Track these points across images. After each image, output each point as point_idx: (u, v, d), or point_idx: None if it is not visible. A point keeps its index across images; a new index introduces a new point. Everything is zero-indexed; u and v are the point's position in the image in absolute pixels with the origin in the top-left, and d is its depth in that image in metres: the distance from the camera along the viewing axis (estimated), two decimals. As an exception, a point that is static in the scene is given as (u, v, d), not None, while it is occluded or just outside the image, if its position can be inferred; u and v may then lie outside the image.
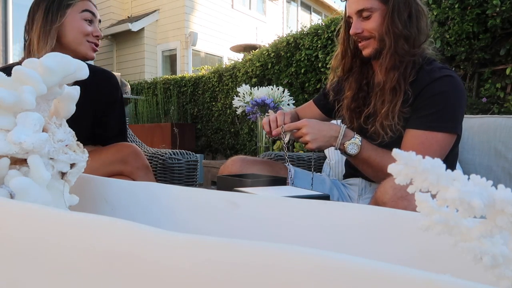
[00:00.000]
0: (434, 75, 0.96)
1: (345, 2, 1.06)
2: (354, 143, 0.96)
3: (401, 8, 0.96)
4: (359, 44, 1.04)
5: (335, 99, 1.18)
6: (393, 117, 0.97)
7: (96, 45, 1.18)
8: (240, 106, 1.95)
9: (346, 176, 1.25)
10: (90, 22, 1.16)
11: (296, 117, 1.24)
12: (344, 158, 1.29)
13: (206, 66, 5.70)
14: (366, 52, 1.03)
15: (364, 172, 1.03)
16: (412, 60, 0.98)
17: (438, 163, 0.24)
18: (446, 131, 0.94)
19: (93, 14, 1.17)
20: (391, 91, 0.98)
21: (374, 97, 1.03)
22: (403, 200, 0.73)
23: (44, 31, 1.10)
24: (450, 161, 1.04)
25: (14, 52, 4.41)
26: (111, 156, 1.10)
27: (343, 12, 1.10)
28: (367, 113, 1.04)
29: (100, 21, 1.22)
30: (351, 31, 1.02)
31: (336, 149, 0.98)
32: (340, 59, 1.13)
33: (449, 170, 0.24)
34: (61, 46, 1.14)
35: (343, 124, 1.00)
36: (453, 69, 2.08)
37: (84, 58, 1.17)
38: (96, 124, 1.24)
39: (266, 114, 1.09)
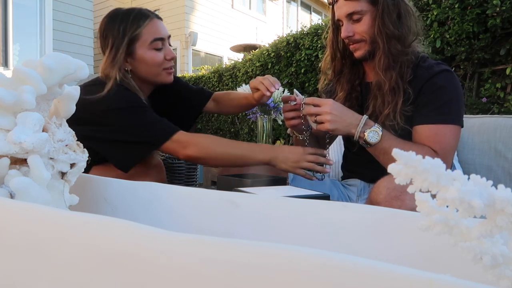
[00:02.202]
0: (432, 70, 0.97)
1: (331, 5, 1.07)
2: (375, 131, 0.92)
3: (390, 9, 0.96)
4: (351, 47, 1.04)
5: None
6: (395, 117, 0.97)
7: (171, 67, 1.15)
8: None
9: (344, 177, 1.25)
10: (161, 48, 1.11)
11: None
12: (342, 160, 1.29)
13: (206, 66, 5.69)
14: (357, 54, 1.03)
15: (386, 165, 1.01)
16: (406, 59, 0.99)
17: (438, 163, 0.24)
18: (455, 123, 0.95)
19: (161, 39, 1.11)
20: (390, 91, 0.98)
21: (374, 99, 1.02)
22: (397, 200, 0.73)
23: (110, 68, 1.07)
24: None
25: (14, 52, 4.41)
26: (135, 167, 1.09)
27: (330, 15, 1.10)
28: (369, 115, 1.03)
29: (169, 36, 1.16)
30: (342, 35, 1.03)
31: (355, 138, 0.93)
32: (330, 61, 1.13)
33: (449, 170, 0.24)
34: (137, 78, 1.12)
35: (365, 115, 0.97)
36: (453, 69, 2.08)
37: (163, 84, 1.17)
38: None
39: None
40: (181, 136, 1.04)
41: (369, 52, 1.01)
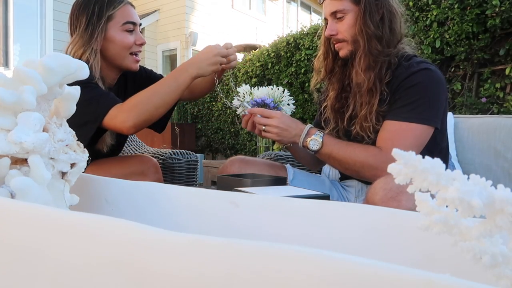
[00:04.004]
0: (411, 69, 0.97)
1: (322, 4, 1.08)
2: (315, 139, 0.98)
3: (372, 9, 0.96)
4: (335, 46, 1.05)
5: (321, 100, 1.20)
6: (371, 119, 0.98)
7: (139, 52, 1.18)
8: (240, 106, 1.95)
9: (342, 178, 1.25)
10: (132, 31, 1.14)
11: None
12: None
13: (206, 66, 5.67)
14: (341, 53, 1.04)
15: (334, 167, 1.06)
16: (387, 60, 0.99)
17: (438, 163, 0.24)
18: (420, 122, 0.94)
19: (133, 23, 1.14)
20: (368, 92, 0.98)
21: (353, 99, 1.04)
22: (393, 201, 0.73)
23: (84, 48, 1.08)
24: (438, 155, 1.03)
25: (15, 52, 4.41)
26: (132, 167, 1.12)
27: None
28: (349, 115, 1.05)
29: (141, 24, 1.19)
30: (326, 33, 1.04)
31: (300, 146, 1.00)
32: (322, 60, 1.14)
33: (448, 170, 0.24)
34: (104, 59, 1.13)
35: (310, 124, 1.03)
36: (453, 69, 2.08)
37: (128, 70, 1.19)
38: None
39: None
40: (115, 111, 1.01)
41: (351, 52, 1.02)
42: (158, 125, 1.31)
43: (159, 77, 1.34)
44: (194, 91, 1.33)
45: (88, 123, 1.01)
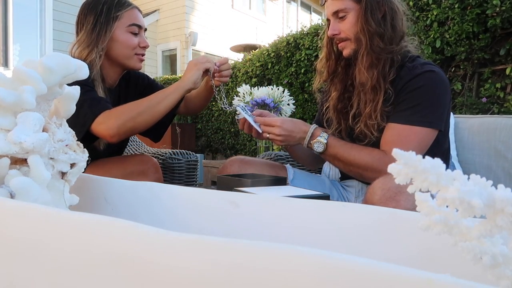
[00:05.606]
0: (415, 71, 0.96)
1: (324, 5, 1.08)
2: (320, 142, 0.99)
3: (374, 7, 0.97)
4: (338, 45, 1.05)
5: (323, 101, 1.20)
6: (376, 117, 0.98)
7: (143, 55, 1.20)
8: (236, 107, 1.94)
9: (342, 178, 1.25)
10: (137, 33, 1.16)
11: None
12: None
13: (206, 66, 5.67)
14: (345, 53, 1.04)
15: (338, 168, 1.06)
16: (390, 57, 0.98)
17: (438, 163, 0.24)
18: (424, 126, 0.94)
19: (139, 26, 1.17)
20: (372, 90, 0.98)
21: (357, 97, 1.04)
22: (392, 201, 0.73)
23: (90, 47, 1.10)
24: (440, 156, 1.03)
25: (14, 52, 4.41)
26: (132, 167, 1.13)
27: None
28: (353, 113, 1.05)
29: (145, 29, 1.22)
30: (328, 33, 1.04)
31: (305, 147, 1.02)
32: (324, 62, 1.14)
33: (449, 170, 0.24)
34: (108, 58, 1.15)
35: (314, 125, 1.03)
36: (453, 69, 2.08)
37: (132, 70, 1.21)
38: None
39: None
40: (102, 117, 1.01)
41: (355, 50, 1.02)
42: (154, 134, 1.32)
43: (160, 87, 1.35)
44: (189, 106, 1.34)
45: (77, 126, 1.01)
